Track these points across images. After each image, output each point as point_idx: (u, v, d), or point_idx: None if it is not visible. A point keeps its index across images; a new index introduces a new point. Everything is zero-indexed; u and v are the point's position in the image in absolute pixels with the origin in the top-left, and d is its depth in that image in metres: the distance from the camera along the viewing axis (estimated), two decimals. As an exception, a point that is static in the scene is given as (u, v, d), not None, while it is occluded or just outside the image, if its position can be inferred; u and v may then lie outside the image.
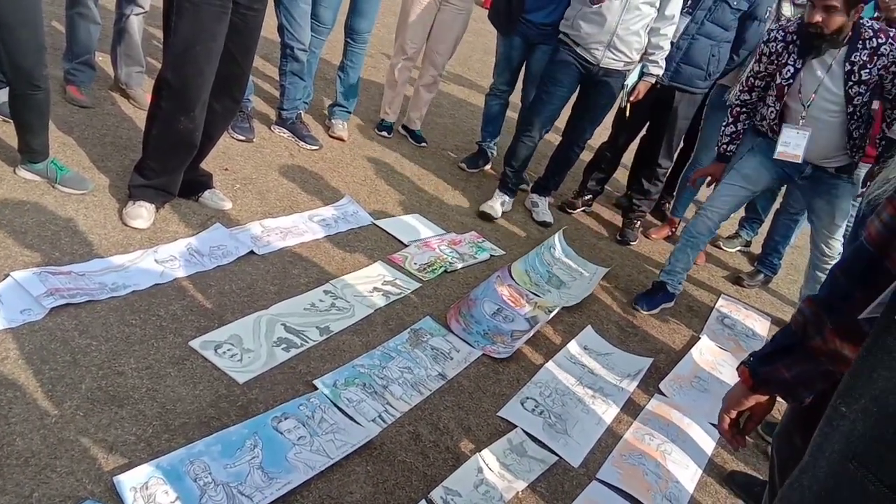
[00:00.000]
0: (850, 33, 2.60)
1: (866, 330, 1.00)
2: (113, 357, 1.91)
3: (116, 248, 2.35)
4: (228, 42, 2.43)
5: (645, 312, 3.15)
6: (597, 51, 3.26)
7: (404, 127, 4.20)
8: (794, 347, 1.10)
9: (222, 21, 2.35)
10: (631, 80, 3.33)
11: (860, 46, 2.59)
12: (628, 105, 3.49)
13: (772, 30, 2.86)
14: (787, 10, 3.42)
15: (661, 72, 3.36)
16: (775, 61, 2.80)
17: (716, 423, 2.51)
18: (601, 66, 3.29)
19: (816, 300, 1.07)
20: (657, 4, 3.19)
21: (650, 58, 3.32)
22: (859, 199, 2.89)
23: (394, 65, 3.93)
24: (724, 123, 3.07)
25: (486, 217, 3.53)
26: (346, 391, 2.03)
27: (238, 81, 2.59)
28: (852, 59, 2.60)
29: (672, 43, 3.38)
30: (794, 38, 2.73)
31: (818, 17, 2.55)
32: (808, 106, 2.73)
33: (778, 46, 2.78)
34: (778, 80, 2.80)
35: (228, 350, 2.05)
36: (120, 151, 2.92)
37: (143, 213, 2.48)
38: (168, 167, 2.51)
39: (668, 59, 3.40)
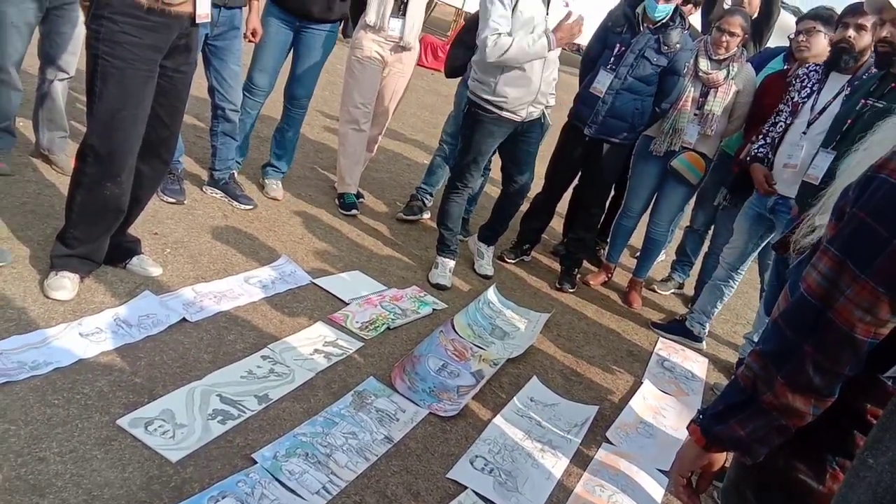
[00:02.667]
0: (864, 61, 2.88)
1: (817, 383, 1.02)
2: (33, 442, 1.78)
3: (37, 322, 2.22)
4: (156, 105, 2.38)
5: (659, 333, 3.60)
6: (522, 110, 3.33)
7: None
8: (746, 404, 1.09)
9: (149, 85, 2.30)
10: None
11: (864, 75, 2.86)
12: (552, 156, 3.66)
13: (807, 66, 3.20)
14: (704, 64, 3.61)
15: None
16: (797, 84, 3.11)
17: (664, 469, 2.54)
18: (526, 121, 3.39)
19: (764, 354, 1.08)
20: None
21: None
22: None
23: (344, 134, 3.85)
24: (752, 143, 3.32)
25: (442, 287, 3.42)
26: (287, 463, 1.94)
27: (166, 143, 2.53)
28: (854, 83, 2.85)
29: (598, 97, 3.52)
30: (819, 67, 3.06)
31: (849, 33, 2.85)
32: (811, 124, 2.96)
33: (802, 72, 3.12)
34: (795, 98, 3.07)
35: (160, 427, 1.94)
36: (41, 220, 2.79)
37: (66, 284, 2.36)
38: (93, 235, 2.41)
39: (596, 114, 3.53)
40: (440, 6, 13.11)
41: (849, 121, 2.71)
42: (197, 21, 2.35)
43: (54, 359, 2.06)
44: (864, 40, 2.84)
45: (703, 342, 3.69)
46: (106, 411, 1.95)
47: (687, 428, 1.22)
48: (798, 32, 3.42)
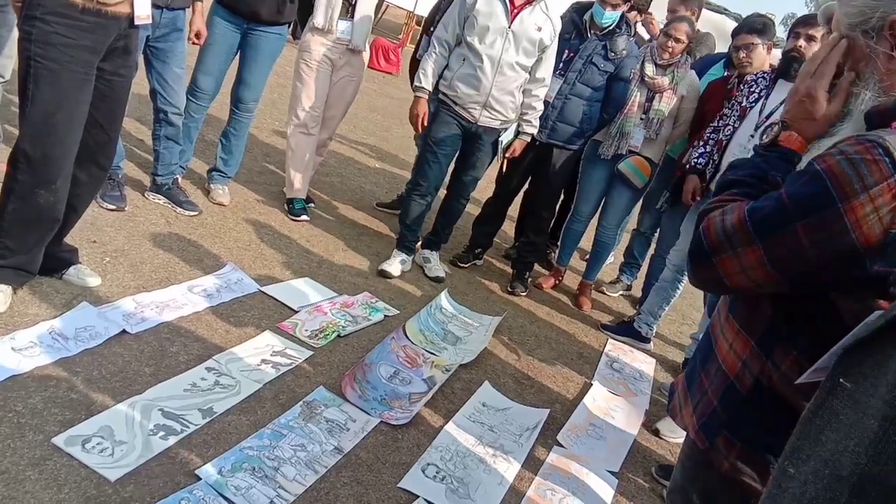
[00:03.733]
0: None
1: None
2: (-41, 464, 1.69)
3: (-36, 337, 2.11)
4: (93, 109, 2.30)
5: (608, 334, 3.71)
6: (474, 110, 3.40)
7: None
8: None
9: (85, 87, 2.22)
10: (506, 137, 3.49)
11: None
12: (504, 160, 3.64)
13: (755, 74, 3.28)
14: (650, 69, 3.68)
15: (535, 131, 3.53)
16: (745, 90, 3.18)
17: (614, 470, 2.57)
18: (479, 124, 3.42)
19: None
20: (528, 67, 3.37)
21: (524, 117, 3.49)
22: None
23: (292, 137, 3.76)
24: (694, 148, 3.37)
25: (385, 275, 3.51)
26: (233, 478, 1.89)
27: (104, 149, 2.44)
28: None
29: (547, 103, 3.56)
30: (767, 74, 3.14)
31: (800, 43, 2.97)
32: (759, 128, 3.03)
33: (749, 78, 3.19)
34: (743, 102, 3.15)
35: (98, 444, 1.86)
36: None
37: None
38: (26, 245, 2.30)
39: (545, 118, 3.58)
40: (391, 9, 13.06)
41: None
42: (136, 22, 2.27)
43: (-17, 375, 1.96)
44: (814, 50, 2.94)
45: (651, 343, 3.76)
46: (40, 429, 1.86)
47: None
48: (737, 48, 3.52)
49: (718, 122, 3.31)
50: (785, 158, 1.20)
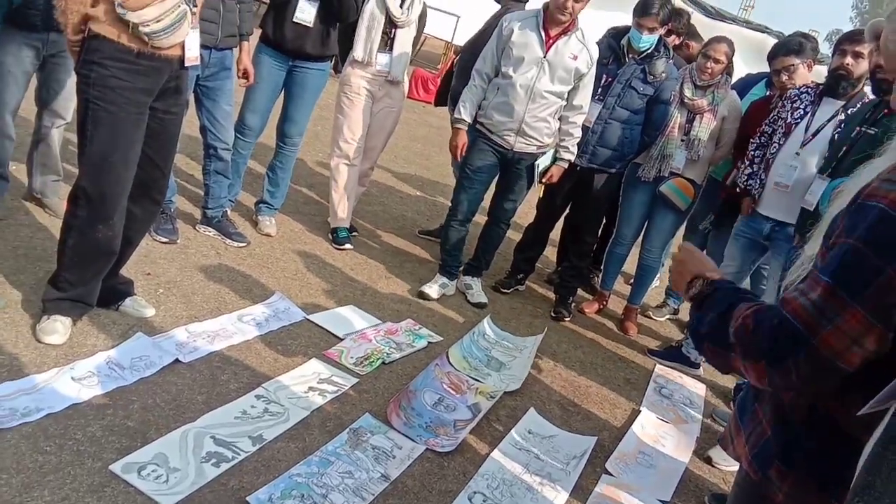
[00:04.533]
0: (859, 89, 2.95)
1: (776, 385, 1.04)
2: (25, 490, 1.76)
3: (30, 367, 2.20)
4: (146, 147, 2.40)
5: (656, 360, 3.64)
6: (509, 137, 3.44)
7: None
8: (719, 324, 1.14)
9: (140, 127, 2.32)
10: (543, 162, 3.50)
11: (858, 104, 2.92)
12: (542, 186, 3.68)
13: (797, 89, 3.23)
14: (689, 91, 3.66)
15: (572, 157, 3.55)
16: (789, 106, 3.13)
17: (665, 499, 2.51)
18: (515, 150, 3.46)
19: (748, 342, 1.07)
20: (565, 95, 3.40)
21: (562, 143, 3.51)
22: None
23: (336, 168, 3.86)
24: (741, 170, 3.31)
25: (424, 296, 3.56)
26: (283, 505, 1.92)
27: (158, 184, 2.54)
28: (848, 111, 2.91)
29: (587, 128, 3.57)
30: (810, 89, 3.10)
31: (847, 60, 2.90)
32: (804, 145, 3.00)
33: (793, 94, 3.15)
34: (788, 119, 3.10)
35: (153, 471, 1.91)
36: (34, 263, 2.78)
37: (58, 328, 2.35)
38: (85, 278, 2.40)
39: (585, 143, 3.59)
40: (430, 40, 13.31)
41: (844, 148, 2.75)
42: (186, 64, 2.38)
43: (46, 404, 2.04)
44: (862, 67, 2.90)
45: (701, 368, 3.67)
46: (98, 457, 1.93)
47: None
48: (777, 71, 3.48)
49: (760, 139, 3.26)
50: (716, 292, 1.20)
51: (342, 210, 3.92)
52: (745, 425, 1.25)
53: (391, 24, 3.65)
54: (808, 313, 1.00)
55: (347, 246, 3.90)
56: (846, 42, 2.98)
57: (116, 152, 2.27)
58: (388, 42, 3.67)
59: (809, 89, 3.13)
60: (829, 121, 2.99)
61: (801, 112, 3.09)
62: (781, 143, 3.11)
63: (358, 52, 3.64)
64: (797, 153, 3.03)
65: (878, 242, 0.98)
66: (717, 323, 1.13)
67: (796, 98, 3.15)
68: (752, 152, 3.26)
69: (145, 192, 2.50)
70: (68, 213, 2.36)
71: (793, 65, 3.39)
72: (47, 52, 2.89)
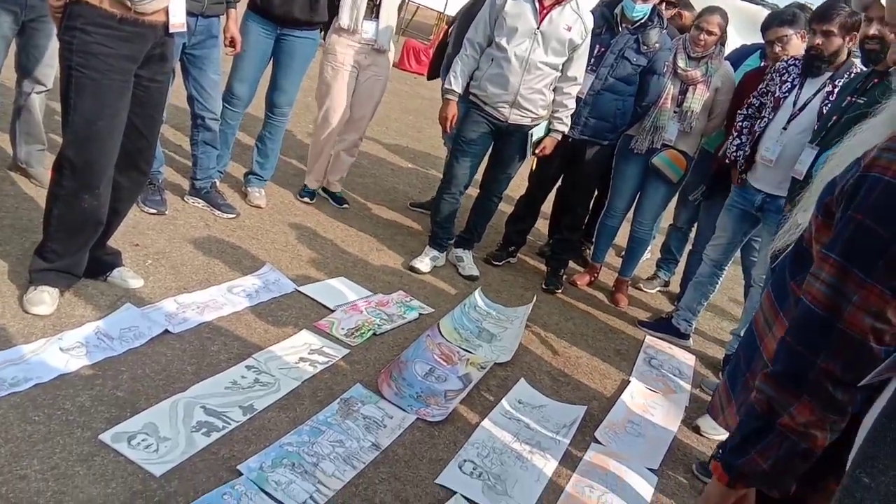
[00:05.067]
0: (843, 60, 2.95)
1: (840, 398, 0.97)
2: (14, 459, 1.75)
3: (17, 338, 2.19)
4: (132, 115, 2.36)
5: (646, 331, 3.66)
6: (504, 109, 3.40)
7: (324, 190, 4.17)
8: (763, 430, 1.03)
9: (124, 95, 2.28)
10: (536, 133, 3.47)
11: (846, 75, 2.93)
12: (534, 158, 3.65)
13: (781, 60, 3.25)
14: (682, 62, 3.63)
15: (565, 129, 3.51)
16: (777, 79, 3.13)
17: (653, 467, 2.54)
18: (509, 122, 3.42)
19: (776, 375, 1.03)
20: (559, 66, 3.36)
21: (555, 115, 3.48)
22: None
23: (318, 134, 3.90)
24: (730, 141, 3.32)
25: (415, 271, 3.56)
26: (273, 474, 1.92)
27: (144, 154, 2.50)
28: (836, 81, 2.93)
29: (580, 99, 3.53)
30: (798, 61, 3.09)
31: (818, 41, 2.92)
32: (791, 120, 3.02)
33: (781, 66, 3.15)
34: (777, 93, 3.10)
35: (143, 440, 1.91)
36: (20, 234, 2.75)
37: (45, 299, 2.33)
38: (71, 248, 2.38)
39: (577, 115, 3.56)
40: (421, 10, 13.11)
41: (834, 117, 2.75)
42: (171, 30, 2.32)
43: (34, 374, 2.03)
44: (834, 44, 2.92)
45: (690, 339, 3.70)
46: (88, 426, 1.92)
47: (709, 466, 1.18)
48: (771, 42, 3.46)
49: (747, 111, 3.26)
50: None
51: (316, 173, 4.03)
52: (738, 395, 1.24)
53: None
54: (826, 296, 0.97)
55: (306, 200, 4.03)
56: (815, 21, 2.98)
57: (101, 120, 2.23)
58: (373, 9, 3.61)
59: (797, 61, 3.12)
60: (815, 94, 3.00)
61: (789, 85, 3.09)
62: (770, 117, 3.11)
63: (343, 19, 3.58)
64: (784, 128, 3.03)
65: (882, 214, 0.95)
66: (761, 436, 1.04)
67: (784, 71, 3.14)
68: (740, 123, 3.26)
69: (132, 162, 2.47)
70: (53, 182, 2.32)
71: (786, 35, 3.36)
72: (26, 16, 2.83)
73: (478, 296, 3.47)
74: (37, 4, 2.78)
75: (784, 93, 3.09)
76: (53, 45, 2.97)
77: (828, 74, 3.00)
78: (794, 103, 3.04)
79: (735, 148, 3.23)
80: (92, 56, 2.16)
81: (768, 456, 1.02)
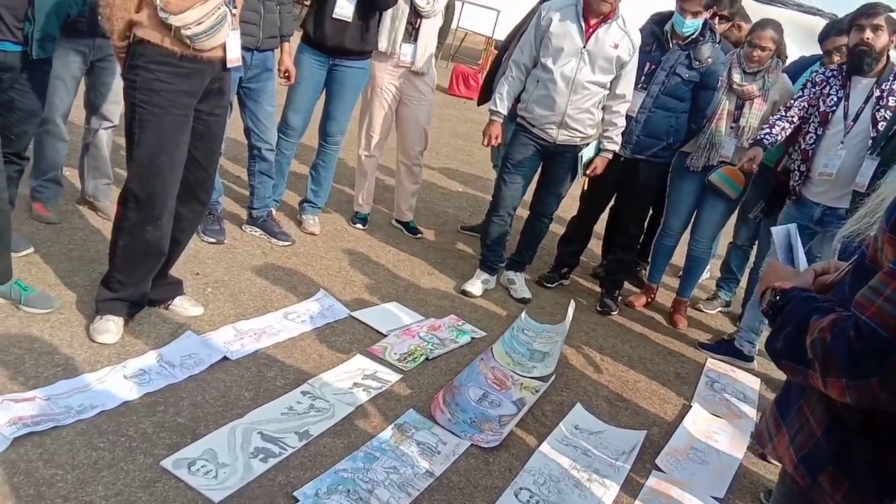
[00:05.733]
0: (885, 63, 2.91)
1: (866, 405, 0.95)
2: (80, 486, 1.81)
3: (84, 366, 2.27)
4: (192, 148, 2.44)
5: (707, 353, 3.50)
6: (551, 130, 3.38)
7: (397, 220, 4.23)
8: (796, 351, 1.06)
9: (185, 129, 2.37)
10: (586, 154, 3.43)
11: (891, 77, 2.88)
12: (585, 178, 3.61)
13: (816, 71, 3.21)
14: (738, 77, 3.54)
15: (616, 147, 3.47)
16: (815, 91, 3.09)
17: (718, 496, 2.44)
18: (557, 143, 3.40)
19: (830, 352, 0.98)
20: (607, 84, 3.33)
21: (605, 134, 3.44)
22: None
23: (360, 156, 4.00)
24: (789, 156, 3.30)
25: (467, 294, 3.55)
26: (328, 500, 1.93)
27: (204, 185, 2.59)
28: (882, 86, 2.88)
29: (631, 117, 3.49)
30: (832, 71, 3.04)
31: (866, 35, 2.87)
32: (848, 132, 2.95)
33: (817, 78, 3.10)
34: (822, 108, 3.05)
35: (203, 467, 1.95)
36: (87, 265, 2.87)
37: (110, 328, 2.42)
38: (135, 278, 2.46)
39: (629, 133, 3.51)
40: (470, 36, 13.25)
41: (894, 128, 2.65)
42: (228, 66, 2.41)
43: (99, 402, 2.10)
44: (882, 40, 2.86)
45: (755, 361, 3.56)
46: (150, 453, 1.97)
47: None
48: (829, 52, 3.41)
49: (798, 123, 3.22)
50: (790, 302, 1.12)
51: (361, 197, 4.08)
52: (790, 424, 1.17)
53: (416, 13, 3.64)
54: (891, 315, 0.92)
55: (358, 226, 4.07)
56: (862, 17, 2.92)
57: (163, 154, 2.32)
58: (412, 32, 3.66)
59: (834, 72, 3.03)
60: (865, 102, 2.92)
61: (835, 98, 3.01)
62: (819, 133, 3.04)
63: (382, 42, 3.64)
64: (841, 143, 2.96)
65: None
66: (793, 337, 1.05)
67: (823, 83, 3.06)
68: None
69: (192, 194, 2.55)
70: (118, 215, 2.42)
71: (845, 45, 3.25)
72: (94, 56, 2.98)
73: (524, 317, 3.42)
74: (104, 45, 2.92)
75: (831, 106, 3.01)
76: (118, 83, 3.11)
77: (872, 80, 2.93)
78: (846, 115, 2.95)
79: (790, 161, 3.17)
80: (154, 93, 2.25)
81: (784, 342, 1.08)
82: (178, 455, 1.97)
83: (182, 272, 2.88)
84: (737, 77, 3.49)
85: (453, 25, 4.17)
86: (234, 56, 2.41)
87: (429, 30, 3.71)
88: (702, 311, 4.20)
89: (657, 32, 3.49)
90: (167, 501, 1.82)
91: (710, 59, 3.41)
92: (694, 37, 3.39)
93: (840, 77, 3.01)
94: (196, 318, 2.70)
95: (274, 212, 3.76)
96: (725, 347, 3.60)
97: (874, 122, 2.86)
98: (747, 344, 3.54)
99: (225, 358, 2.48)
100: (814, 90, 3.12)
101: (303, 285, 3.22)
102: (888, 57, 2.92)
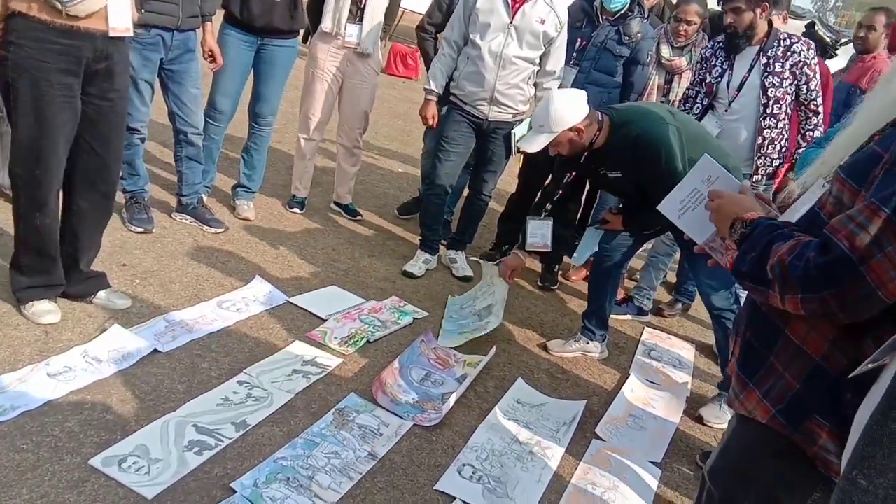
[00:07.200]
0: (766, 32, 3.04)
1: (819, 315, 1.05)
2: (2, 490, 1.73)
3: (3, 366, 2.16)
4: (85, 134, 2.33)
5: (614, 316, 3.40)
6: (482, 106, 3.37)
7: (336, 203, 4.16)
8: (758, 270, 1.15)
9: (64, 111, 2.22)
10: (519, 130, 3.44)
11: (776, 44, 3.02)
12: (521, 155, 3.63)
13: (705, 47, 3.32)
14: (666, 52, 3.61)
15: None
16: (706, 66, 3.20)
17: (656, 461, 2.51)
18: (489, 119, 3.39)
19: (789, 273, 1.09)
20: (536, 60, 3.33)
21: None
22: None
23: (299, 139, 3.91)
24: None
25: (409, 275, 3.53)
26: (267, 490, 1.89)
27: (103, 175, 2.44)
28: (768, 53, 3.02)
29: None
30: (720, 44, 3.16)
31: (729, 19, 3.01)
32: (732, 101, 3.10)
33: (706, 53, 3.21)
34: (707, 80, 3.18)
35: (134, 463, 1.88)
36: (5, 257, 2.72)
37: (46, 307, 2.38)
38: (44, 262, 2.40)
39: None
40: (408, 14, 13.08)
41: None
42: (111, 34, 2.22)
43: (21, 402, 2.00)
44: (746, 17, 3.01)
45: (648, 315, 3.74)
46: (77, 452, 1.89)
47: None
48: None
49: (685, 104, 3.36)
50: (754, 231, 1.20)
51: (298, 181, 4.01)
52: (760, 381, 1.23)
53: None
54: (862, 241, 1.00)
55: (295, 210, 3.99)
56: (722, 2, 3.10)
57: (44, 138, 2.20)
58: (357, 13, 3.58)
59: (721, 44, 3.19)
60: (749, 71, 3.09)
61: (720, 69, 3.16)
62: (704, 102, 3.22)
63: (326, 23, 3.56)
64: (726, 110, 3.15)
65: None
66: (755, 261, 1.15)
67: (711, 56, 3.21)
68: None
69: (90, 184, 2.42)
70: (13, 197, 2.33)
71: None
72: None
73: (452, 300, 3.40)
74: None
75: (716, 78, 3.17)
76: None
77: (755, 49, 3.07)
78: (728, 85, 3.13)
79: None
80: (26, 71, 2.12)
81: (749, 266, 1.18)
82: (107, 453, 1.90)
83: (108, 264, 2.77)
84: (665, 52, 3.56)
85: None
86: (121, 25, 2.23)
87: (374, 10, 3.63)
88: (664, 317, 4.04)
89: (587, 8, 3.51)
90: (97, 501, 1.75)
91: (639, 34, 3.46)
92: (623, 12, 3.43)
93: (725, 50, 3.16)
94: (123, 311, 2.59)
95: (205, 198, 3.64)
96: (626, 306, 3.72)
97: (764, 89, 3.03)
98: (646, 301, 3.73)
99: (155, 350, 2.40)
100: (702, 66, 3.27)
101: (238, 272, 3.14)
102: (769, 24, 3.06)
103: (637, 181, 2.65)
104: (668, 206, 1.46)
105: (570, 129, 2.63)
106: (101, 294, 2.58)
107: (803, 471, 1.18)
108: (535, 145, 2.66)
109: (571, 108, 2.61)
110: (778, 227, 1.17)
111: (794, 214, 1.25)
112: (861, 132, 1.13)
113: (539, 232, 3.02)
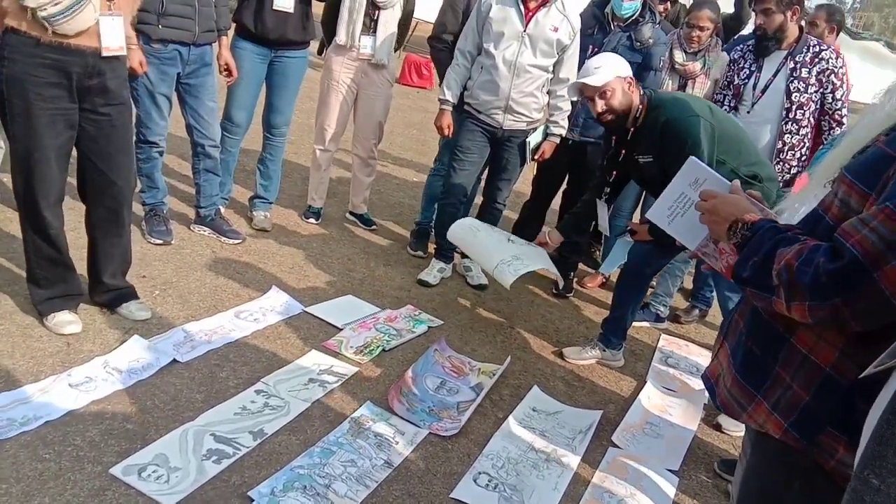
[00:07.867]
0: (796, 36, 3.05)
1: (827, 323, 1.03)
2: (25, 499, 1.76)
3: (26, 377, 2.20)
4: (86, 150, 2.37)
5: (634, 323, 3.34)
6: (497, 115, 3.39)
7: (351, 213, 4.19)
8: (762, 277, 1.12)
9: (57, 124, 2.26)
10: (534, 139, 3.45)
11: (805, 50, 3.02)
12: (535, 163, 3.64)
13: (734, 49, 3.32)
14: (679, 57, 3.60)
15: (563, 131, 3.50)
16: (734, 68, 3.22)
17: (673, 468, 2.49)
18: (504, 128, 3.41)
19: (798, 279, 1.05)
20: (549, 68, 3.34)
21: (551, 118, 3.47)
22: None
23: (315, 150, 3.96)
24: None
25: (424, 284, 3.54)
26: (284, 498, 1.91)
27: (110, 191, 2.46)
28: (796, 58, 3.02)
29: (577, 101, 3.51)
30: (749, 46, 3.16)
31: (759, 20, 3.02)
32: (756, 103, 3.12)
33: (735, 55, 3.22)
34: (735, 81, 3.20)
35: (154, 472, 1.91)
36: (20, 275, 2.77)
37: (67, 318, 2.41)
38: (57, 273, 2.45)
39: (576, 116, 3.54)
40: (421, 24, 13.17)
41: None
42: (104, 54, 2.25)
43: (44, 412, 2.04)
44: (775, 20, 3.00)
45: (665, 322, 3.72)
46: (98, 461, 1.93)
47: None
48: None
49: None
50: (756, 234, 1.16)
51: (314, 191, 4.04)
52: (767, 392, 1.17)
53: (374, 5, 3.60)
54: (875, 247, 0.96)
55: (311, 220, 4.02)
56: (753, 3, 3.12)
57: (36, 151, 2.24)
58: (371, 24, 3.62)
59: (751, 47, 3.19)
60: (774, 74, 3.09)
61: (747, 72, 3.16)
62: (732, 104, 3.21)
63: (341, 36, 3.60)
64: (748, 112, 3.15)
65: None
66: (759, 266, 1.11)
67: (740, 59, 3.22)
68: None
69: (98, 200, 2.47)
70: (18, 211, 2.39)
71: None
72: None
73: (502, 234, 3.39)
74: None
75: (743, 80, 3.17)
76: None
77: (784, 53, 3.06)
78: (754, 87, 3.13)
79: None
80: (18, 83, 2.17)
81: (751, 271, 1.13)
82: (127, 461, 1.93)
83: (128, 276, 2.81)
84: (679, 57, 3.55)
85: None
86: (114, 44, 2.26)
87: (388, 21, 3.67)
88: (681, 323, 3.95)
89: (598, 15, 3.52)
90: (117, 510, 1.78)
91: (650, 40, 3.45)
92: (634, 18, 3.43)
93: (754, 52, 3.16)
94: (143, 322, 2.63)
95: (223, 210, 3.69)
96: (643, 312, 3.68)
97: (788, 93, 3.01)
98: (663, 307, 3.69)
99: (174, 361, 2.43)
100: (730, 69, 3.27)
101: (255, 283, 3.17)
102: (801, 29, 3.05)
103: (664, 168, 2.64)
104: (657, 213, 1.42)
105: (623, 78, 2.74)
106: (123, 305, 2.63)
107: (831, 486, 1.11)
108: (598, 79, 2.70)
109: (622, 61, 2.80)
110: (781, 230, 1.13)
111: (793, 216, 1.23)
112: (865, 136, 1.10)
113: (602, 213, 3.16)
